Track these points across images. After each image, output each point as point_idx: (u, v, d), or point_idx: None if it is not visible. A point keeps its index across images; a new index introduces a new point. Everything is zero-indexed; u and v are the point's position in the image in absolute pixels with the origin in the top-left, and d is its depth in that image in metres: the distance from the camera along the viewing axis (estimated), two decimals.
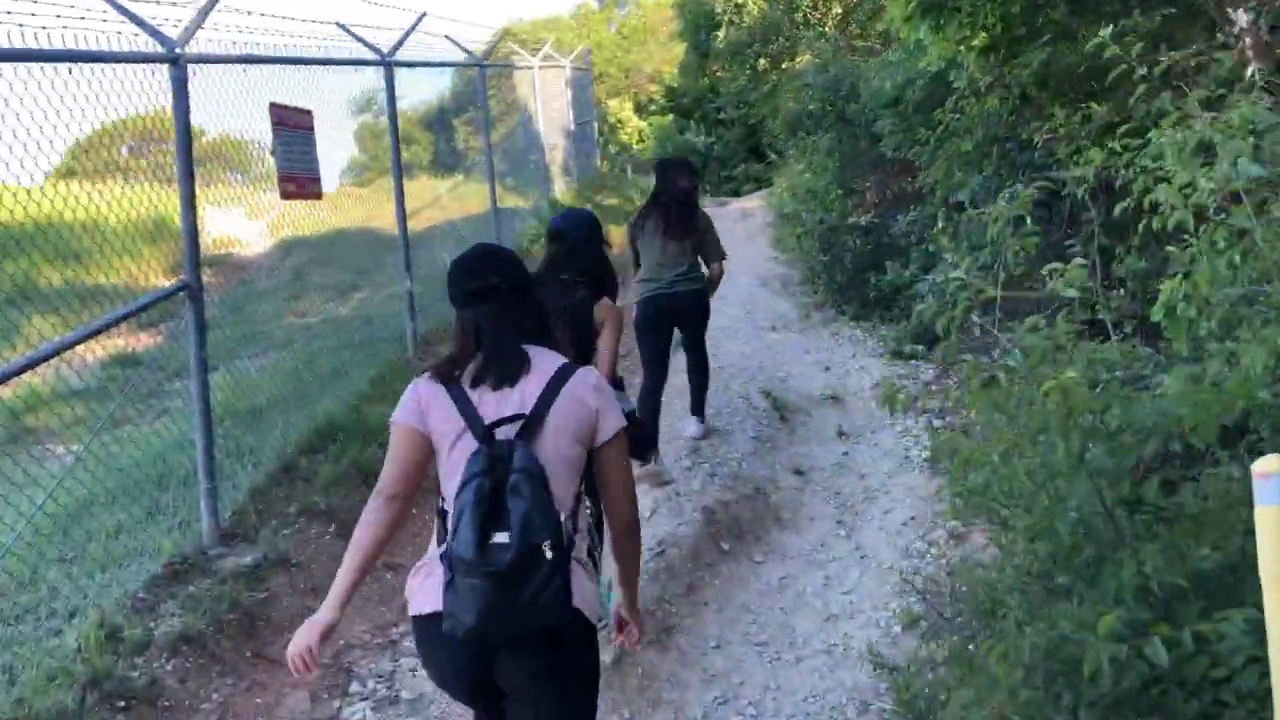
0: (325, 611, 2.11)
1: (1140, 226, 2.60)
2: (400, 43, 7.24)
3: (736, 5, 12.23)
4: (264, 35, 5.70)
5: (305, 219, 6.58)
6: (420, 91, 11.78)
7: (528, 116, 12.96)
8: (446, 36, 9.91)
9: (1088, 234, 4.79)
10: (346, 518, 4.60)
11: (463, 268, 2.26)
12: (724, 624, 4.05)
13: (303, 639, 2.08)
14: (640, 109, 27.68)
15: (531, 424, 2.08)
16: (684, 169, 5.41)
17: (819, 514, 4.95)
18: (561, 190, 14.16)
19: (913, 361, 6.92)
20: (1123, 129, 2.83)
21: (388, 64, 7.08)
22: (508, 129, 13.43)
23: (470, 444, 2.06)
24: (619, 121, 26.87)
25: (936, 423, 5.74)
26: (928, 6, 4.56)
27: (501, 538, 1.94)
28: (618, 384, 3.74)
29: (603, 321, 3.50)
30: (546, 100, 13.45)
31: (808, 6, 11.98)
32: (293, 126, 5.77)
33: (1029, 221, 5.65)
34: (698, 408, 5.68)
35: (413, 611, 2.14)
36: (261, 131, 5.59)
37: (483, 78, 10.07)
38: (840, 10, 12.10)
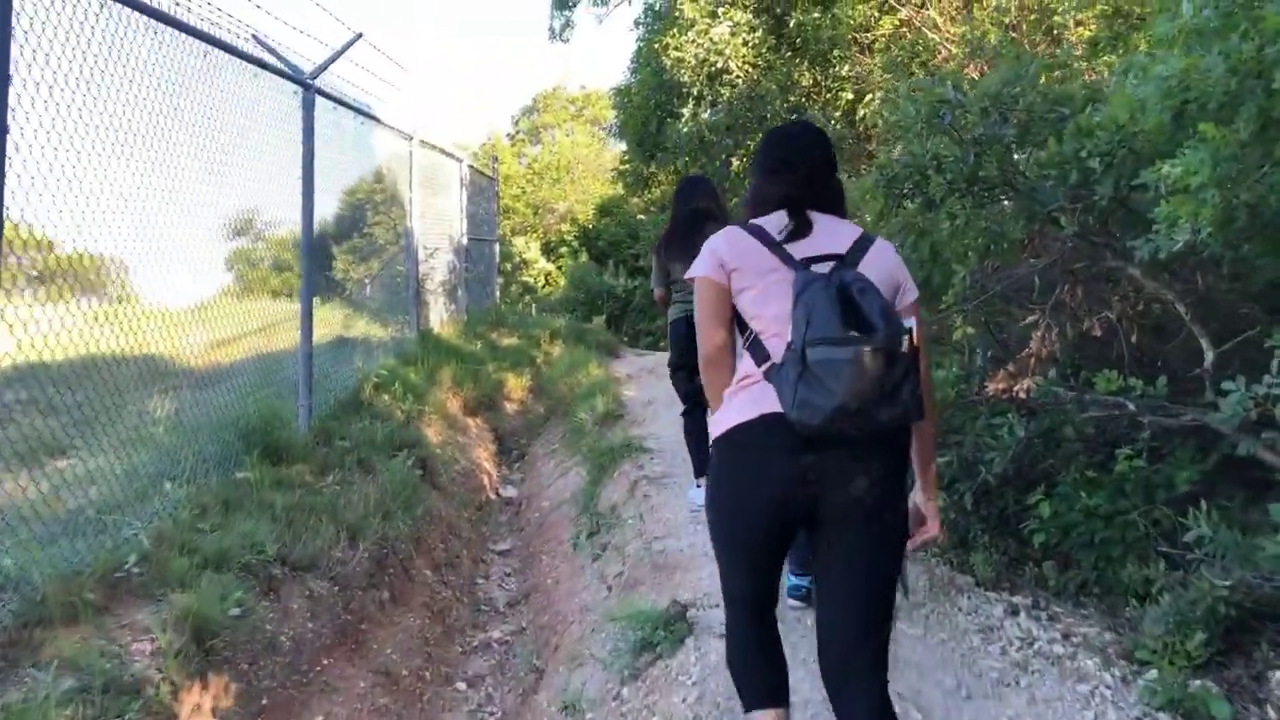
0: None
1: None
2: None
3: (712, 74, 8.32)
4: None
5: (74, 337, 3.77)
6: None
7: (395, 207, 8.75)
8: (254, 36, 5.76)
9: None
10: None
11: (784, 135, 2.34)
12: None
13: None
14: (549, 250, 24.09)
15: (847, 263, 2.07)
16: (693, 188, 5.05)
17: None
18: (441, 319, 9.81)
19: None
20: None
21: None
22: (358, 215, 9.19)
23: (789, 274, 2.06)
24: (524, 261, 23.09)
25: None
26: None
27: (855, 333, 1.88)
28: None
29: None
30: (428, 192, 9.30)
31: (809, 82, 8.27)
32: None
33: None
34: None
35: (735, 422, 2.08)
36: None
37: (309, 107, 5.87)
38: (848, 99, 8.45)
